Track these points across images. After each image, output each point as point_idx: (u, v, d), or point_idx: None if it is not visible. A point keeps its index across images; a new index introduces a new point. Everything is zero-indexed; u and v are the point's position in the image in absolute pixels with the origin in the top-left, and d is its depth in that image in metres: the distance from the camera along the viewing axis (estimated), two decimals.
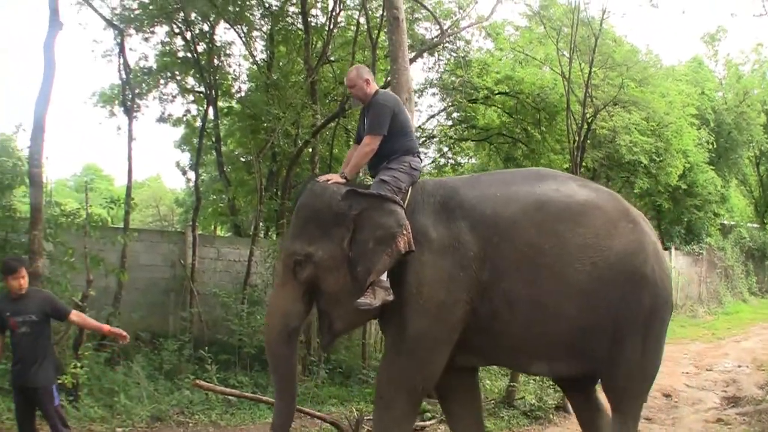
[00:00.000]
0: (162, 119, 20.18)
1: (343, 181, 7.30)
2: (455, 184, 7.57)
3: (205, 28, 18.11)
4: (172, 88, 20.10)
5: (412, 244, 6.76)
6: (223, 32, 20.58)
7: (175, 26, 18.22)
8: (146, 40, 18.48)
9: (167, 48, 18.88)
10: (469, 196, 7.21)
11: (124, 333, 8.15)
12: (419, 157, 7.81)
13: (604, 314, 7.00)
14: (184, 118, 21.11)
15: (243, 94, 20.34)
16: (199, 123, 20.39)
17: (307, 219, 7.13)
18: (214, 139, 19.73)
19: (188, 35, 18.21)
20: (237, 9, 17.16)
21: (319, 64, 17.15)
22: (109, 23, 17.51)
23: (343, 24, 18.47)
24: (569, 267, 6.94)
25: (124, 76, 17.52)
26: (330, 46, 17.69)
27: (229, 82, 20.01)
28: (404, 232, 6.71)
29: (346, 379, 13.89)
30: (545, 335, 7.12)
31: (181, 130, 22.88)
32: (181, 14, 17.33)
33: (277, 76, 17.85)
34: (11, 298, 7.63)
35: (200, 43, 18.36)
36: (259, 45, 19.48)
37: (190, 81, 20.01)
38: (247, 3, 17.43)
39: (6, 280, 7.68)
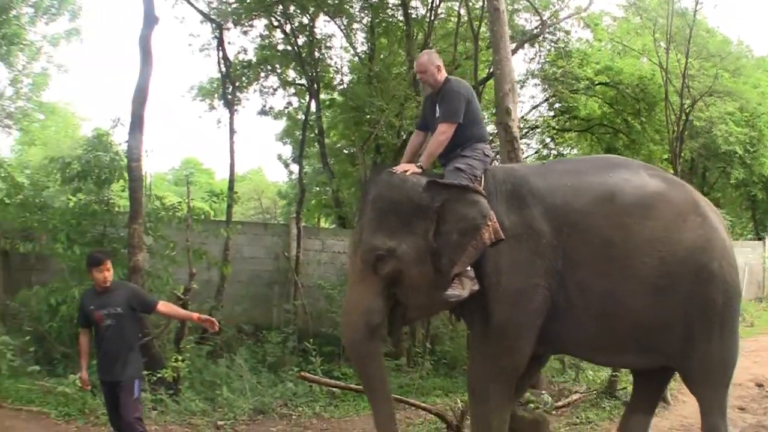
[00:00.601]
0: (263, 112, 20.56)
1: (420, 171, 7.21)
2: (525, 172, 7.63)
3: (305, 20, 18.33)
4: (273, 80, 20.48)
5: (500, 233, 6.77)
6: (323, 25, 20.41)
7: (273, 19, 18.49)
8: (245, 33, 18.86)
9: (267, 41, 19.16)
10: (539, 185, 7.26)
11: (214, 320, 8.21)
12: (489, 144, 7.88)
13: (672, 310, 7.04)
14: (286, 111, 21.59)
15: (345, 86, 20.52)
16: (300, 116, 20.80)
17: (386, 212, 7.06)
18: (316, 132, 19.67)
19: (288, 28, 18.46)
20: (336, 1, 17.37)
21: None
22: (207, 17, 18.01)
23: (443, 15, 18.61)
24: (638, 261, 6.99)
25: (223, 69, 18.03)
26: (431, 38, 17.65)
27: (331, 75, 20.24)
28: (488, 222, 6.74)
29: (451, 370, 13.91)
30: (615, 327, 7.16)
31: (282, 123, 23.61)
32: (280, 7, 17.63)
33: (379, 68, 18.03)
34: (96, 292, 7.79)
35: (300, 36, 18.59)
36: (360, 37, 19.74)
37: (291, 74, 20.32)
38: None
39: (91, 272, 7.81)
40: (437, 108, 7.54)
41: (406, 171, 7.13)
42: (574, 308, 7.02)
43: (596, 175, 7.44)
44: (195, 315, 8.49)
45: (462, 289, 6.73)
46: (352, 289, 7.42)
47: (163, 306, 8.16)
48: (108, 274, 7.77)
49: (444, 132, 7.26)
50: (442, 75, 7.62)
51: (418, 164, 7.24)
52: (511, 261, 6.94)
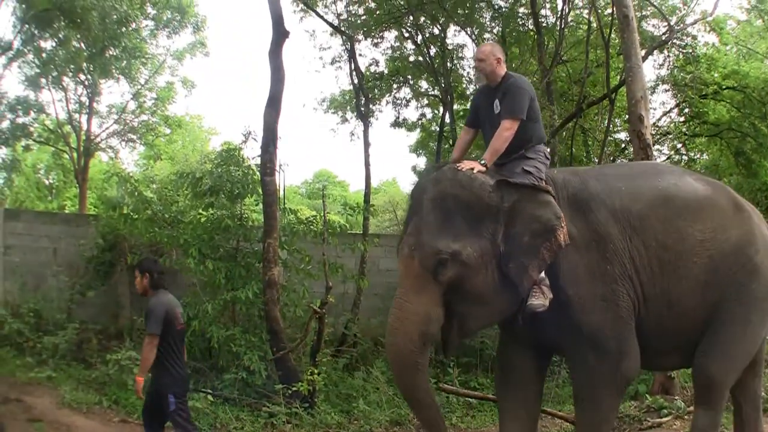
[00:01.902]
0: (396, 124, 21.71)
1: (484, 168, 6.96)
2: (582, 175, 7.61)
3: (436, 31, 19.11)
4: (405, 92, 21.51)
5: (567, 236, 6.81)
6: (454, 35, 20.51)
7: (404, 30, 19.45)
8: (375, 45, 19.94)
9: (398, 52, 20.14)
10: (598, 190, 7.29)
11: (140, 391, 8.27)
12: (547, 146, 7.78)
13: (714, 302, 7.26)
14: (419, 122, 22.61)
15: None
16: (434, 127, 21.66)
17: (451, 212, 6.78)
18: (451, 142, 19.52)
19: (419, 39, 19.31)
20: (466, 11, 18.06)
21: (554, 64, 17.68)
22: (337, 30, 19.02)
23: (573, 23, 19.10)
24: (689, 262, 7.18)
25: (356, 81, 18.83)
26: (562, 46, 18.08)
27: (463, 85, 20.86)
28: (562, 224, 6.74)
29: None
30: (668, 329, 7.29)
31: (416, 134, 24.24)
32: (410, 18, 18.47)
33: None
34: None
35: (432, 46, 19.32)
36: None
37: (423, 84, 21.30)
38: (477, 5, 18.31)
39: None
40: (496, 103, 7.36)
41: (471, 168, 6.94)
42: (639, 313, 7.11)
43: (647, 180, 7.64)
44: (140, 379, 8.32)
45: (544, 298, 6.79)
46: (407, 296, 6.93)
47: (145, 342, 8.21)
48: (137, 282, 8.42)
49: (509, 128, 7.13)
50: (502, 69, 7.52)
51: (482, 161, 7.05)
52: (587, 269, 6.99)
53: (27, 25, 21.95)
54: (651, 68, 19.94)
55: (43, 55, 24.07)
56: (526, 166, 7.10)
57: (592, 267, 7.00)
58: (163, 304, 8.32)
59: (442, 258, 6.65)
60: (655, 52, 18.27)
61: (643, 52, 14.57)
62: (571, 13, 19.05)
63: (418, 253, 6.81)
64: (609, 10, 16.84)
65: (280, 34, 13.47)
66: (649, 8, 17.89)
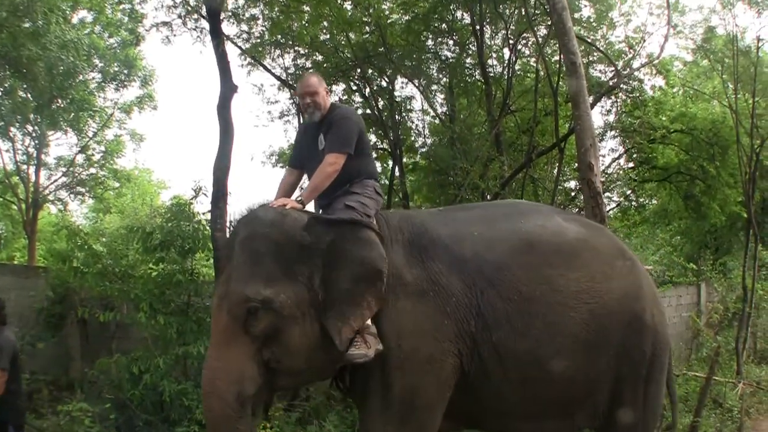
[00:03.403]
0: None
1: (301, 207, 6.72)
2: (423, 219, 7.13)
3: (383, 83, 19.86)
4: None
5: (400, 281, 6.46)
6: (401, 87, 21.59)
7: (352, 83, 20.20)
8: None
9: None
10: (443, 235, 6.81)
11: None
12: (379, 182, 7.39)
13: (604, 367, 6.90)
14: None
15: (427, 148, 21.79)
16: (383, 180, 21.26)
17: (262, 254, 6.27)
18: (401, 195, 20.42)
19: (366, 92, 20.00)
20: (413, 63, 18.86)
21: (502, 114, 18.28)
22: (285, 83, 19.81)
23: (520, 73, 19.84)
24: (564, 316, 6.70)
25: None
26: (510, 96, 18.66)
27: (412, 138, 21.63)
28: (386, 266, 6.27)
29: None
30: (539, 394, 6.82)
31: None
32: (358, 71, 19.20)
33: (461, 129, 18.97)
34: None
35: (380, 99, 19.99)
36: (439, 98, 21.17)
37: (372, 138, 21.27)
38: (423, 57, 19.14)
39: None
40: (321, 139, 7.11)
41: (284, 205, 6.63)
42: (491, 376, 6.62)
43: (507, 223, 7.15)
44: None
45: (368, 348, 6.22)
46: (217, 352, 6.37)
47: None
48: None
49: (333, 163, 6.83)
50: (329, 100, 7.32)
51: (299, 199, 6.84)
52: (416, 322, 6.43)
53: None
54: (599, 114, 20.54)
55: None
56: (348, 201, 6.78)
57: (424, 320, 6.45)
58: (10, 340, 8.87)
59: (252, 306, 6.10)
60: (603, 98, 18.69)
61: (591, 99, 14.90)
62: (518, 62, 19.81)
63: (227, 302, 6.27)
64: (556, 57, 17.26)
65: (228, 89, 14.03)
66: (595, 53, 18.63)
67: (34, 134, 26.79)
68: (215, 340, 6.40)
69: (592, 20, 18.65)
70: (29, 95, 23.97)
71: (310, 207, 7.16)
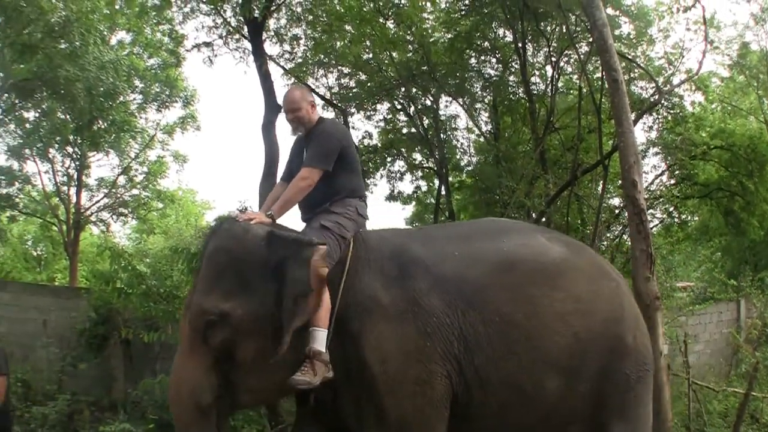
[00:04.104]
0: (392, 197, 22.57)
1: (269, 221, 6.70)
2: (402, 239, 7.11)
3: (428, 102, 20.22)
4: (400, 165, 22.46)
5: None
6: (446, 105, 21.68)
7: (396, 102, 20.56)
8: (368, 118, 21.05)
9: (390, 125, 21.19)
10: (422, 255, 6.75)
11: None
12: (366, 201, 7.35)
13: (586, 393, 6.70)
14: (415, 195, 23.49)
15: (472, 167, 22.15)
16: (429, 199, 22.69)
17: (222, 268, 6.39)
18: (447, 215, 20.86)
19: (411, 110, 20.42)
20: (457, 81, 19.18)
21: (546, 132, 18.60)
22: (329, 103, 20.09)
23: (563, 90, 20.54)
24: (547, 340, 6.56)
25: None
26: (554, 114, 18.90)
27: (457, 156, 22.00)
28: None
29: None
30: (520, 421, 6.73)
31: (411, 208, 25.10)
32: (402, 90, 19.54)
33: (506, 147, 19.32)
34: None
35: (424, 118, 20.41)
36: (484, 116, 21.46)
37: (417, 157, 22.23)
38: (467, 75, 19.46)
39: None
40: (305, 152, 7.15)
41: (251, 219, 6.63)
42: (475, 402, 6.54)
43: (488, 241, 7.05)
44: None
45: (313, 375, 6.13)
46: (180, 361, 6.62)
47: None
48: None
49: (306, 177, 6.81)
50: (315, 114, 7.32)
51: (269, 213, 6.81)
52: (398, 345, 6.36)
53: (7, 94, 22.91)
54: (641, 131, 20.40)
55: (27, 125, 25.26)
56: (324, 221, 6.77)
57: (406, 342, 6.38)
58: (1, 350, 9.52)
59: (210, 319, 6.24)
60: (645, 114, 18.81)
61: (633, 115, 14.63)
62: (561, 79, 20.06)
63: (189, 313, 6.47)
64: (598, 74, 17.72)
65: (272, 109, 14.57)
66: (636, 70, 18.56)
67: (74, 155, 27.22)
68: (180, 349, 6.65)
69: (631, 37, 18.74)
70: (68, 116, 24.40)
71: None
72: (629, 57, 18.02)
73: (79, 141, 26.07)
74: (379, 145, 22.05)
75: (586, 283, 6.86)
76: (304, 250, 6.20)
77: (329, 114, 21.03)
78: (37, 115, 25.20)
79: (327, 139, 6.97)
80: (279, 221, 6.97)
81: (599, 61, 15.13)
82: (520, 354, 6.48)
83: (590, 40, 16.04)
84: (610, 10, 15.97)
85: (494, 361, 6.44)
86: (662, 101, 18.65)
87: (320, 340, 6.26)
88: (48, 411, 13.49)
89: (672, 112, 19.80)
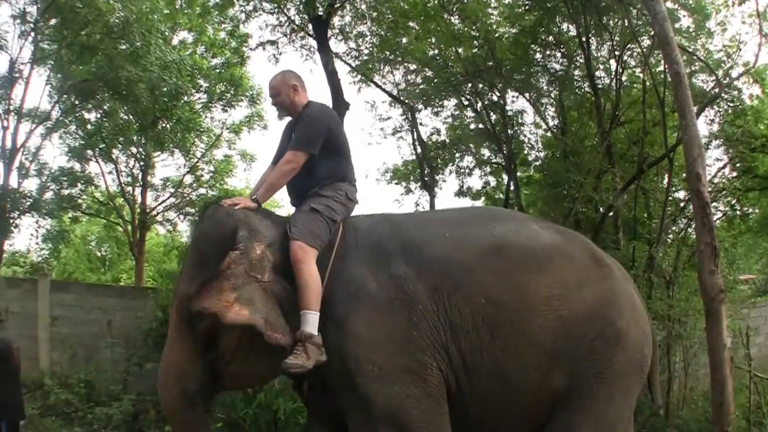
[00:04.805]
0: (461, 193, 24.22)
1: (254, 205, 7.14)
2: (396, 221, 7.49)
3: (494, 97, 21.66)
4: (468, 160, 24.13)
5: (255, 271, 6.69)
6: (512, 101, 23.32)
7: (463, 98, 22.11)
8: (436, 114, 22.70)
9: (458, 121, 22.82)
10: (414, 237, 7.13)
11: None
12: (356, 186, 7.74)
13: (570, 377, 6.95)
14: (484, 191, 25.09)
15: (540, 162, 23.54)
16: (498, 195, 24.25)
17: (206, 253, 6.86)
18: (516, 209, 21.35)
19: (478, 106, 21.92)
20: (523, 76, 20.54)
21: (612, 126, 19.36)
22: (397, 100, 21.83)
23: (627, 84, 21.27)
24: (532, 324, 6.81)
25: (419, 151, 21.50)
26: (619, 107, 19.62)
27: (525, 151, 23.42)
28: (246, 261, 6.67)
29: None
30: (506, 409, 6.98)
31: (481, 203, 26.07)
32: (469, 85, 21.06)
33: (573, 142, 20.44)
34: None
35: (492, 113, 21.86)
36: (550, 111, 22.80)
37: (486, 152, 23.84)
38: (532, 70, 20.80)
39: None
40: (293, 136, 7.50)
41: (235, 204, 7.08)
42: (462, 389, 6.87)
43: (480, 226, 7.42)
44: None
45: (306, 359, 6.49)
46: (168, 348, 7.19)
47: None
48: None
49: (290, 161, 7.21)
50: (302, 97, 7.64)
51: (254, 197, 7.26)
52: (387, 335, 6.69)
53: (66, 95, 24.58)
54: (703, 124, 20.90)
55: (88, 126, 26.84)
56: (314, 204, 7.15)
57: (395, 332, 6.70)
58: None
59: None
60: (706, 107, 19.93)
61: (695, 109, 14.76)
62: (625, 73, 20.86)
63: (176, 300, 7.05)
64: (661, 68, 18.27)
65: (340, 106, 15.71)
66: (697, 63, 19.38)
67: (138, 156, 28.86)
68: (169, 337, 7.24)
69: (690, 30, 20.04)
70: (131, 117, 25.95)
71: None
72: (689, 50, 18.85)
73: (144, 141, 27.45)
74: (448, 141, 23.66)
75: (576, 268, 7.22)
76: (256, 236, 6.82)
77: (396, 110, 23.07)
78: (98, 116, 26.57)
79: (312, 122, 7.45)
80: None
81: (661, 55, 15.86)
82: (505, 338, 6.83)
83: (652, 33, 17.13)
84: (669, 4, 16.88)
85: (480, 346, 6.82)
86: (722, 94, 19.64)
87: (312, 322, 6.66)
88: (112, 411, 14.98)
89: (732, 105, 20.61)
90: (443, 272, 6.89)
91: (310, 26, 20.33)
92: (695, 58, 19.28)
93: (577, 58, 21.04)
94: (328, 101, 16.76)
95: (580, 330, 6.97)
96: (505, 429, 7.21)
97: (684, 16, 19.96)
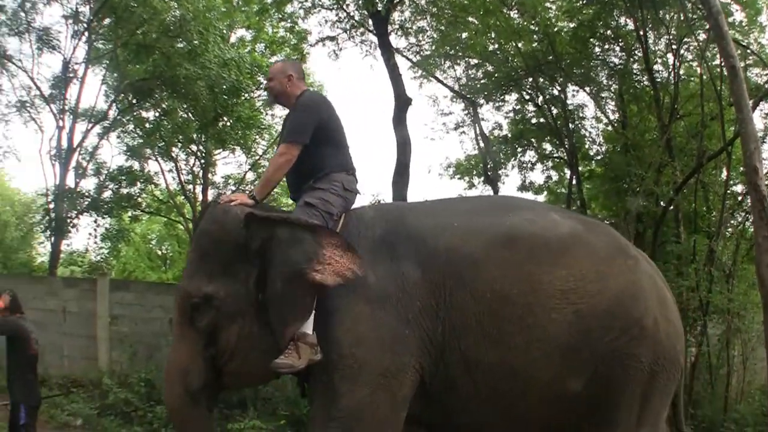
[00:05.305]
0: (523, 187, 25.37)
1: (251, 202, 7.25)
2: (402, 211, 7.68)
3: (555, 92, 22.83)
4: (530, 155, 25.32)
5: (342, 277, 6.75)
6: (573, 95, 24.29)
7: (524, 93, 23.29)
8: (497, 108, 23.90)
9: (519, 115, 23.87)
10: (419, 227, 7.25)
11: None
12: (355, 176, 7.85)
13: (591, 378, 6.97)
14: (546, 185, 26.26)
15: (601, 156, 24.46)
16: (560, 189, 25.33)
17: (206, 251, 7.13)
18: (578, 204, 23.23)
19: (539, 100, 23.05)
20: (582, 71, 21.70)
21: (672, 120, 20.22)
22: (459, 95, 23.10)
23: (684, 77, 22.18)
24: (544, 319, 6.86)
25: (482, 146, 22.74)
26: (678, 101, 20.48)
27: (586, 146, 24.38)
28: (317, 266, 6.68)
29: None
30: (514, 409, 7.07)
31: (543, 197, 27.28)
32: (529, 80, 22.24)
33: (633, 135, 21.28)
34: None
35: (553, 108, 22.99)
36: (610, 105, 23.79)
37: (548, 147, 24.97)
38: (592, 64, 21.89)
39: None
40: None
41: (232, 201, 7.29)
42: (458, 389, 7.01)
43: (492, 216, 7.44)
44: None
45: (297, 358, 6.64)
46: (174, 344, 7.50)
47: None
48: None
49: (283, 153, 7.39)
50: (296, 87, 7.87)
51: (251, 194, 7.37)
52: (374, 331, 6.82)
53: (123, 95, 26.04)
54: (759, 118, 21.10)
55: (147, 125, 27.93)
56: (309, 198, 7.32)
57: (384, 329, 6.84)
58: (20, 324, 11.47)
59: (195, 302, 7.02)
60: (761, 101, 20.23)
61: (751, 102, 15.51)
62: (682, 66, 21.74)
63: (178, 297, 7.28)
64: (717, 61, 19.55)
65: (402, 102, 16.91)
66: (750, 57, 20.18)
67: (199, 153, 30.01)
68: (174, 333, 7.61)
69: (743, 24, 20.74)
70: (190, 115, 26.94)
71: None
72: (743, 44, 19.57)
73: (204, 139, 28.57)
74: (509, 135, 24.82)
75: (595, 260, 7.21)
76: (295, 230, 6.91)
77: (458, 105, 24.38)
78: (156, 114, 27.75)
79: (301, 111, 7.65)
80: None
81: (717, 49, 16.67)
82: (514, 334, 6.88)
83: (707, 27, 18.00)
84: None
85: (484, 343, 6.88)
86: None
87: (307, 321, 6.83)
88: None
89: None
90: (447, 265, 7.01)
91: (370, 22, 21.58)
92: (749, 51, 20.00)
93: (636, 51, 21.84)
94: (390, 97, 17.82)
95: (601, 327, 7.01)
96: (514, 426, 7.33)
97: (736, 10, 20.50)
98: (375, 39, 22.00)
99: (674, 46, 21.01)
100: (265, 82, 9.65)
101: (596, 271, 7.09)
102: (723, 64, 15.73)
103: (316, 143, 7.46)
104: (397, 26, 22.97)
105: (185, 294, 7.15)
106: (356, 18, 22.74)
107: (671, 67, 21.41)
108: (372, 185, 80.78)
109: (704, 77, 20.23)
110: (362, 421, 6.75)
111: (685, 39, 20.62)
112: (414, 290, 6.90)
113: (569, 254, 7.13)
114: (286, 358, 6.64)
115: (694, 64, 22.01)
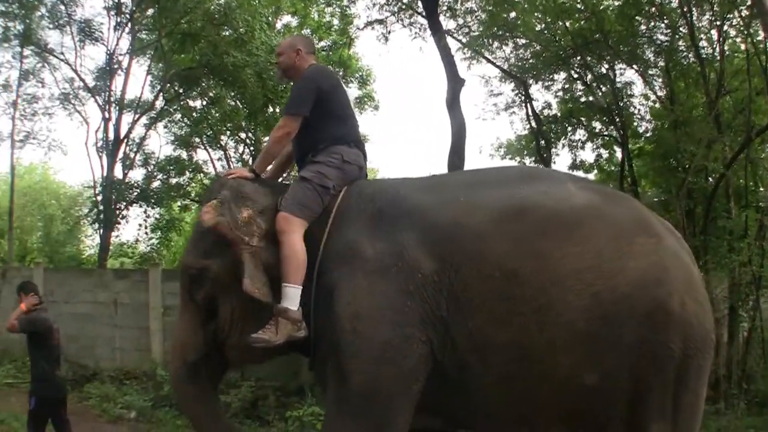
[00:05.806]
0: (574, 166, 26.76)
1: (250, 175, 7.59)
2: (405, 185, 7.64)
3: (603, 70, 24.12)
4: (581, 134, 26.73)
5: (239, 239, 7.09)
6: (621, 73, 25.41)
7: (573, 71, 24.68)
8: (546, 88, 25.34)
9: (568, 94, 25.33)
10: (422, 201, 7.22)
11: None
12: (359, 147, 8.00)
13: (614, 365, 6.75)
14: (596, 164, 27.62)
15: (650, 133, 25.77)
16: (611, 167, 26.69)
17: (203, 226, 7.27)
18: (629, 181, 24.14)
19: (588, 79, 24.41)
20: (630, 48, 22.95)
21: (719, 96, 21.00)
22: (509, 74, 24.52)
23: (729, 54, 22.94)
24: (558, 300, 6.66)
25: (533, 126, 24.07)
26: (724, 77, 21.34)
27: (635, 123, 25.64)
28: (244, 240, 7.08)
29: (762, 408, 16.46)
30: (530, 395, 6.91)
31: (594, 176, 28.57)
32: (577, 58, 23.55)
33: (681, 112, 22.27)
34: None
35: (601, 86, 24.24)
36: (657, 82, 25.06)
37: (597, 125, 26.30)
38: (639, 41, 23.16)
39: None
40: None
41: (231, 175, 7.63)
42: (470, 370, 6.89)
43: (503, 188, 7.28)
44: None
45: (274, 334, 6.83)
46: (178, 317, 7.92)
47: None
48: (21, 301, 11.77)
49: (282, 126, 7.59)
50: (305, 61, 8.07)
51: (252, 168, 7.71)
52: (374, 303, 6.85)
53: (169, 84, 27.74)
54: None
55: (194, 114, 29.65)
56: (304, 172, 7.51)
57: (384, 301, 6.85)
58: (41, 317, 11.98)
59: (192, 274, 7.39)
60: None
61: None
62: (726, 43, 22.59)
63: (181, 272, 7.72)
64: (760, 37, 20.33)
65: (456, 83, 17.99)
66: None
67: (248, 141, 31.56)
68: (179, 307, 7.91)
69: None
70: (238, 102, 28.86)
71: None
72: None
73: (253, 126, 29.90)
74: (559, 114, 26.26)
75: (615, 236, 6.91)
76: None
77: (507, 85, 25.82)
78: (204, 103, 29.41)
79: (301, 84, 7.83)
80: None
81: (760, 24, 17.55)
82: (526, 315, 6.67)
83: (749, 3, 18.98)
84: None
85: (493, 324, 6.73)
86: None
87: (290, 296, 6.97)
88: (230, 399, 16.24)
89: None
90: (451, 240, 6.93)
91: (419, 4, 22.94)
92: None
93: (680, 28, 22.90)
94: (443, 78, 18.91)
95: (622, 311, 6.74)
96: (531, 413, 7.11)
97: None
98: (424, 21, 23.28)
99: (717, 23, 21.89)
100: (276, 57, 8.52)
101: (616, 249, 6.86)
102: (766, 39, 16.81)
103: (317, 115, 7.67)
104: (445, 8, 24.19)
105: (184, 266, 7.67)
106: (405, 0, 24.14)
107: (715, 43, 22.51)
108: (428, 168, 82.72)
109: (749, 52, 20.91)
110: (372, 399, 6.85)
111: (728, 15, 21.44)
112: (415, 263, 6.89)
113: (584, 228, 6.93)
114: (264, 333, 6.87)
115: (738, 39, 22.93)
